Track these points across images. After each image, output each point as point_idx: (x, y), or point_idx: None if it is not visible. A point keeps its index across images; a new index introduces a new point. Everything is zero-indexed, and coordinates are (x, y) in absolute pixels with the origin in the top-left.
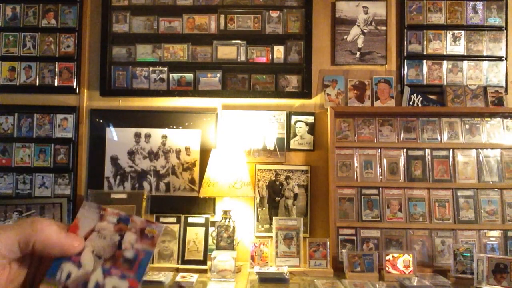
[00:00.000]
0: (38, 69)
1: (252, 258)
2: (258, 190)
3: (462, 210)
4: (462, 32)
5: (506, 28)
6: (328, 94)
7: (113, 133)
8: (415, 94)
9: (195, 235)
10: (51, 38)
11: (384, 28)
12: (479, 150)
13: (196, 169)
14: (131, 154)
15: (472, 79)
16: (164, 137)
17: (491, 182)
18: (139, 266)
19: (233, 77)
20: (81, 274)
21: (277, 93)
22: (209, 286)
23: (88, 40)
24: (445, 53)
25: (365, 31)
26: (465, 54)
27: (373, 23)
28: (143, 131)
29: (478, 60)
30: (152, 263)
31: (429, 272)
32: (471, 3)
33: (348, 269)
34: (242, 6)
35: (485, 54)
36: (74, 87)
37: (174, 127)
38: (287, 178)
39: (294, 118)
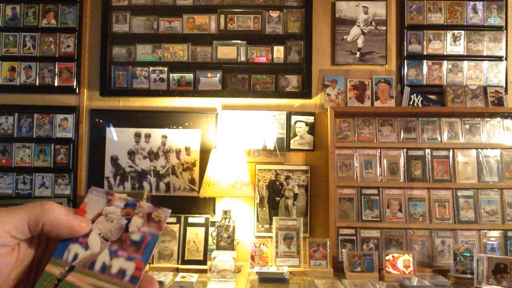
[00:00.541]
0: (38, 69)
1: (252, 258)
2: (258, 190)
3: (462, 210)
4: (462, 32)
5: (506, 28)
6: (328, 94)
7: (113, 133)
8: (415, 94)
9: (195, 235)
10: (51, 38)
11: (384, 28)
12: (479, 150)
13: (196, 169)
14: (131, 154)
15: (472, 79)
16: (164, 137)
17: (491, 182)
18: (146, 248)
19: (233, 77)
20: (88, 255)
21: (277, 93)
22: (209, 286)
23: (88, 40)
24: (445, 53)
25: (365, 31)
26: (465, 54)
27: (373, 23)
28: (143, 131)
29: (478, 60)
30: (152, 263)
31: (429, 272)
32: (471, 3)
33: (348, 269)
34: (242, 6)
35: (485, 54)
36: (74, 87)
37: (174, 127)
38: (287, 178)
39: (294, 118)
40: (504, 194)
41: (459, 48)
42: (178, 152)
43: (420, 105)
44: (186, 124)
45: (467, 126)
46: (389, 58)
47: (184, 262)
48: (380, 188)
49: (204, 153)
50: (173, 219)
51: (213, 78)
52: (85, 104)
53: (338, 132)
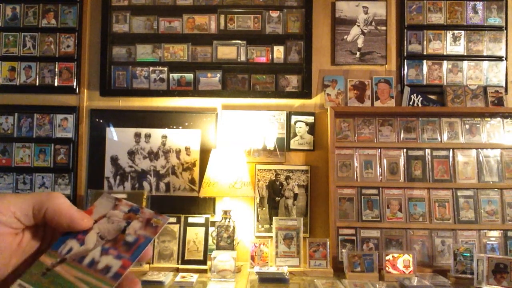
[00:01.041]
0: (38, 69)
1: (252, 258)
2: (258, 190)
3: (462, 210)
4: (462, 32)
5: (506, 28)
6: (328, 94)
7: (113, 133)
8: (415, 94)
9: (195, 235)
10: (51, 38)
11: (384, 28)
12: (479, 150)
13: (196, 169)
14: (131, 154)
15: (472, 79)
16: (164, 137)
17: (491, 182)
18: (137, 249)
19: (233, 77)
20: (81, 250)
21: (277, 93)
22: (209, 286)
23: (88, 40)
24: (445, 53)
25: (365, 31)
26: (465, 54)
27: (373, 23)
28: (143, 131)
29: (478, 60)
30: (152, 262)
31: (429, 272)
32: (471, 3)
33: (348, 269)
34: (242, 6)
35: (485, 54)
36: (74, 87)
37: (174, 127)
38: (287, 178)
39: (294, 118)
40: (504, 194)
41: (459, 48)
42: (178, 152)
43: (420, 105)
44: (186, 124)
45: (467, 126)
46: (389, 58)
47: (184, 262)
48: (380, 188)
49: (204, 153)
50: (173, 219)
51: (213, 78)
52: (85, 104)
53: (338, 132)
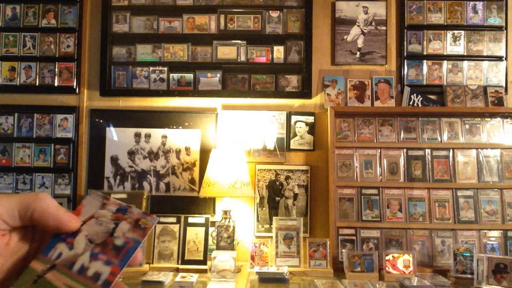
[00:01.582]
0: (38, 69)
1: (252, 258)
2: (258, 190)
3: (462, 210)
4: (462, 32)
5: (506, 28)
6: (328, 94)
7: (113, 133)
8: (415, 94)
9: (195, 235)
10: (51, 38)
11: (384, 28)
12: (479, 150)
13: (196, 169)
14: (131, 154)
15: (472, 79)
16: (164, 137)
17: (491, 182)
18: (125, 254)
19: (233, 77)
20: (71, 255)
21: (277, 93)
22: (209, 286)
23: (88, 40)
24: (445, 53)
25: (365, 31)
26: (465, 54)
27: (373, 23)
28: (143, 131)
29: (478, 60)
30: (152, 262)
31: (429, 272)
32: (471, 3)
33: (348, 269)
34: (242, 6)
35: (485, 54)
36: (74, 87)
37: (174, 127)
38: (287, 178)
39: (294, 118)
40: (504, 194)
41: (459, 48)
42: (178, 152)
43: (420, 105)
44: (186, 124)
45: (467, 126)
46: (389, 58)
47: (184, 262)
48: (380, 188)
49: (204, 153)
50: (173, 219)
51: (213, 78)
52: (85, 104)
53: (338, 132)
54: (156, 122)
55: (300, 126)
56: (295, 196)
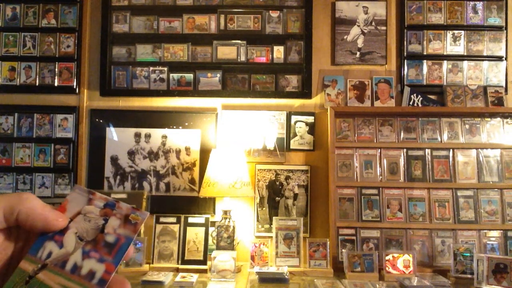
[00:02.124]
0: (38, 69)
1: (252, 258)
2: (258, 190)
3: (462, 210)
4: (462, 32)
5: (506, 28)
6: (328, 94)
7: (113, 133)
8: (415, 94)
9: (195, 235)
10: (51, 38)
11: (384, 28)
12: (479, 150)
13: (196, 169)
14: (131, 154)
15: (472, 79)
16: (164, 137)
17: (491, 182)
18: (118, 251)
19: (233, 77)
20: (62, 254)
21: (277, 93)
22: (209, 286)
23: (88, 40)
24: (445, 53)
25: (365, 31)
26: (465, 54)
27: (373, 23)
28: (143, 131)
29: (478, 60)
30: (152, 262)
31: (429, 272)
32: (471, 3)
33: (348, 269)
34: (242, 6)
35: (485, 54)
36: (74, 87)
37: (174, 127)
38: (287, 178)
39: (294, 118)
40: (504, 194)
41: (459, 48)
42: (178, 152)
43: (420, 105)
44: (186, 124)
45: (467, 126)
46: (389, 58)
47: (184, 262)
48: (380, 188)
49: (204, 153)
50: (173, 219)
51: (213, 78)
52: (85, 104)
53: (338, 132)
54: (156, 122)
55: (300, 126)
56: (295, 196)
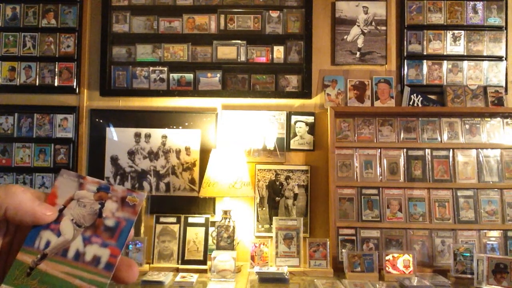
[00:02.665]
0: (38, 69)
1: (252, 258)
2: (258, 190)
3: (462, 210)
4: (462, 32)
5: (506, 28)
6: (328, 94)
7: (113, 133)
8: (415, 94)
9: (195, 235)
10: (51, 38)
11: (384, 28)
12: (479, 150)
13: (196, 169)
14: (131, 154)
15: (472, 79)
16: (164, 137)
17: (491, 182)
18: (120, 234)
19: (233, 77)
20: (61, 242)
21: (277, 93)
22: (209, 286)
23: (88, 40)
24: (445, 53)
25: (365, 31)
26: (465, 54)
27: (373, 23)
28: (143, 131)
29: (478, 60)
30: (152, 262)
31: (429, 272)
32: (471, 3)
33: (348, 269)
34: (242, 6)
35: (485, 54)
36: (74, 87)
37: (174, 127)
38: (287, 178)
39: (294, 118)
40: (504, 194)
41: (459, 48)
42: (178, 152)
43: (420, 105)
44: (186, 124)
45: (467, 126)
46: (389, 58)
47: (184, 262)
48: (380, 188)
49: (204, 153)
50: (173, 219)
51: (213, 78)
52: (85, 104)
53: (338, 132)
54: (156, 122)
55: (300, 126)
56: (295, 196)
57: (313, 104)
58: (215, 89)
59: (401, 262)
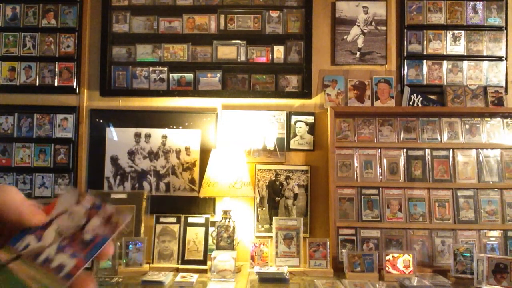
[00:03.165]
0: (38, 69)
1: (252, 258)
2: (258, 190)
3: (462, 210)
4: (462, 32)
5: (506, 28)
6: (328, 94)
7: (113, 133)
8: (415, 94)
9: (195, 235)
10: (51, 38)
11: (384, 28)
12: (479, 150)
13: (196, 169)
14: (131, 154)
15: (472, 79)
16: (164, 137)
17: (491, 182)
18: (92, 248)
19: (233, 77)
20: (37, 247)
21: (277, 93)
22: (209, 286)
23: (88, 40)
24: (445, 53)
25: (365, 31)
26: (465, 54)
27: (373, 23)
28: (143, 131)
29: (478, 60)
30: (152, 262)
31: (429, 272)
32: (471, 3)
33: (348, 269)
34: (242, 6)
35: (485, 54)
36: (74, 87)
37: (174, 127)
38: (287, 178)
39: (294, 118)
40: (504, 194)
41: (459, 48)
42: (178, 152)
43: (420, 105)
44: (186, 124)
45: (467, 126)
46: (389, 58)
47: (184, 262)
48: (380, 188)
49: (204, 153)
50: (173, 219)
51: (213, 78)
52: (85, 104)
53: (338, 132)
54: (156, 122)
55: (300, 126)
56: (295, 196)
57: (313, 104)
58: (215, 89)
59: (401, 262)
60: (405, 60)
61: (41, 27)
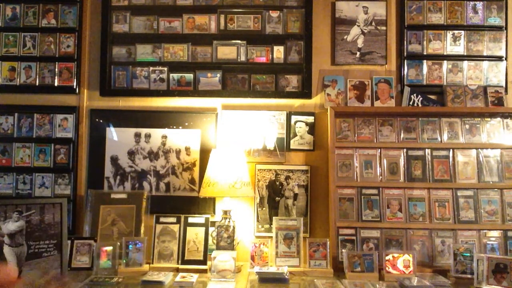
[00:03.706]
0: (38, 69)
1: (252, 258)
2: (258, 190)
3: (462, 210)
4: (462, 32)
5: (506, 28)
6: (328, 94)
7: (113, 133)
8: (415, 94)
9: (195, 235)
10: (51, 38)
11: (384, 28)
12: (479, 150)
13: (196, 169)
14: (131, 154)
15: (472, 79)
16: (164, 137)
17: (491, 182)
18: None
19: (233, 77)
20: None
21: (277, 93)
22: (209, 286)
23: (88, 40)
24: (445, 53)
25: (365, 31)
26: (465, 54)
27: (373, 23)
28: (143, 131)
29: (478, 60)
30: (152, 262)
31: (429, 272)
32: (471, 3)
33: (348, 269)
34: (242, 6)
35: (485, 54)
36: (74, 87)
37: (174, 127)
38: (287, 178)
39: (294, 118)
40: (504, 194)
41: (459, 48)
42: (178, 152)
43: (420, 105)
44: (186, 124)
45: (467, 126)
46: (389, 58)
47: (184, 262)
48: (380, 188)
49: (204, 153)
50: (173, 219)
51: (213, 78)
52: (85, 104)
53: (338, 132)
54: (156, 122)
55: (300, 126)
56: (295, 196)
57: (313, 104)
58: (215, 89)
59: (401, 262)
60: (405, 60)
61: (41, 27)
